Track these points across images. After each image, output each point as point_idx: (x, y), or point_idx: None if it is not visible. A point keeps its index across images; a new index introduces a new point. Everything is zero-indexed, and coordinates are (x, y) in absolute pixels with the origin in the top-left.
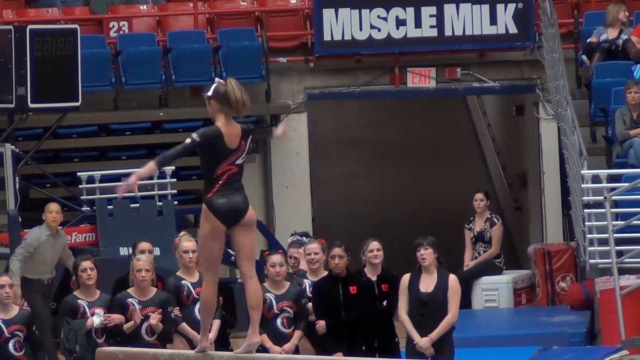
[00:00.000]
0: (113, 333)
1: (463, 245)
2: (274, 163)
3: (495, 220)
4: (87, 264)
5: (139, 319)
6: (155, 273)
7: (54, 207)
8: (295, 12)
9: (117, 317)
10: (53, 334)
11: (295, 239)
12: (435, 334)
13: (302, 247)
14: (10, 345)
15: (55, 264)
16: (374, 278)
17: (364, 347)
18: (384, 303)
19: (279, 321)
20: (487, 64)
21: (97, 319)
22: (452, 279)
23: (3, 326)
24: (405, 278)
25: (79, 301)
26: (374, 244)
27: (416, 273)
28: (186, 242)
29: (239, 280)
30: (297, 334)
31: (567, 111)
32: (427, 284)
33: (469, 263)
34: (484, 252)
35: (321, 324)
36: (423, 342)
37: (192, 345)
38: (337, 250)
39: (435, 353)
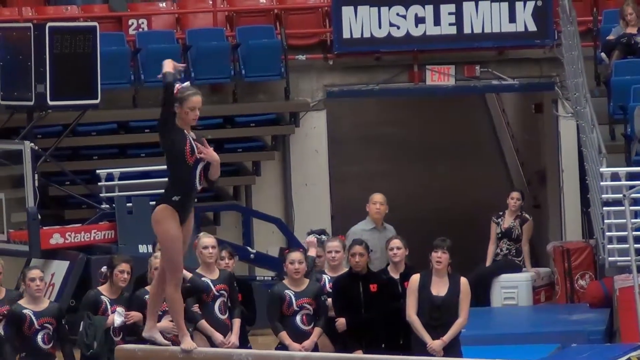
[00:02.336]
0: (131, 331)
1: (480, 244)
2: (293, 160)
3: (527, 216)
4: (125, 266)
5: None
6: None
7: (378, 197)
8: (315, 10)
9: (135, 315)
10: (72, 328)
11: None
12: (448, 337)
13: (310, 237)
14: (39, 337)
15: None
16: (396, 276)
17: (383, 345)
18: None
19: (298, 318)
20: (506, 62)
21: (118, 318)
22: (464, 282)
23: (33, 318)
24: (415, 279)
25: (102, 297)
26: (394, 242)
27: (427, 274)
28: (205, 238)
29: (257, 278)
30: (317, 331)
31: (586, 109)
32: (439, 287)
33: (490, 259)
34: (507, 249)
35: (341, 322)
36: (436, 345)
37: (211, 342)
38: (357, 248)
39: (445, 353)
